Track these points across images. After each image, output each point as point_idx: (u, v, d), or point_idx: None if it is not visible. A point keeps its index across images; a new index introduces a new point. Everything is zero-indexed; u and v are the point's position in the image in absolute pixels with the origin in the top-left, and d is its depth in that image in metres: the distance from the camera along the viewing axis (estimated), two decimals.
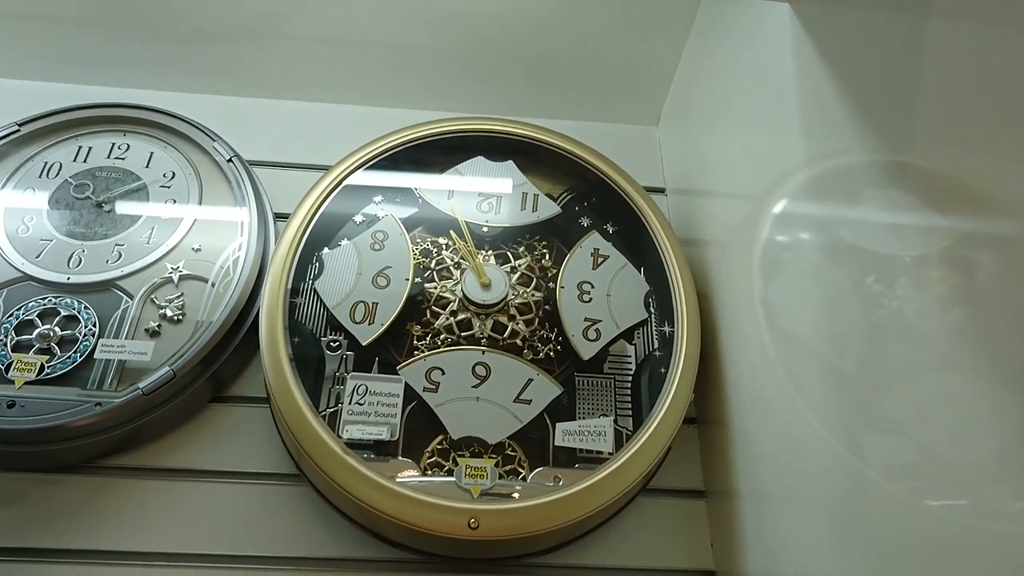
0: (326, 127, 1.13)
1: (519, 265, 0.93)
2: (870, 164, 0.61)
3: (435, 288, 0.90)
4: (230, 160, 0.98)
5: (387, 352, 0.85)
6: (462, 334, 0.87)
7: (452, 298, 0.89)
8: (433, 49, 1.10)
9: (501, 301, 0.89)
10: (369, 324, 0.86)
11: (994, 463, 0.46)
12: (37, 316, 0.85)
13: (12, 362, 0.81)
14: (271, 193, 1.00)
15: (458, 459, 0.79)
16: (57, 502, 0.81)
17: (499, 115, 1.04)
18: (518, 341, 0.87)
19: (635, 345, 0.88)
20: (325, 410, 0.80)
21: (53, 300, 0.86)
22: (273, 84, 1.15)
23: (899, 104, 0.57)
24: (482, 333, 0.87)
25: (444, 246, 0.93)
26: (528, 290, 0.91)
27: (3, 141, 0.97)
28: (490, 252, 0.94)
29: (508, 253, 0.94)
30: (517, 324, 0.88)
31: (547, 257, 0.95)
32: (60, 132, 1.00)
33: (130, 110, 1.02)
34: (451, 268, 0.92)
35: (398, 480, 0.75)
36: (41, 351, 0.82)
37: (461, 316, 0.88)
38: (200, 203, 0.96)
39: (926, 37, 0.54)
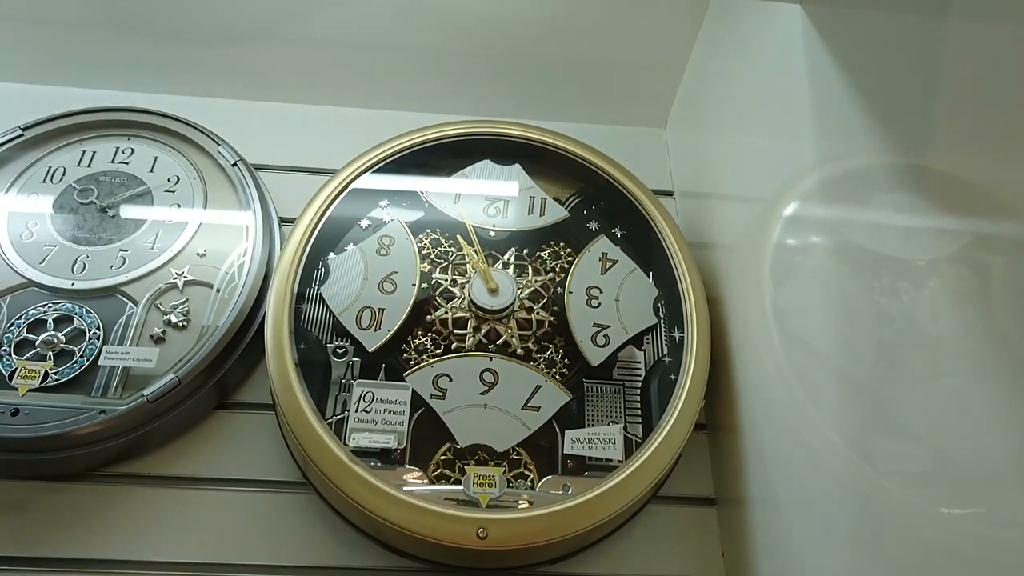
0: (331, 131, 1.13)
1: (526, 270, 0.92)
2: (882, 166, 0.60)
3: (442, 294, 0.89)
4: (235, 164, 0.97)
5: (394, 358, 0.84)
6: (470, 340, 0.86)
7: (459, 304, 0.88)
8: (439, 52, 1.10)
9: (509, 306, 0.88)
10: (376, 330, 0.85)
11: (1011, 470, 0.45)
12: (41, 323, 0.84)
13: (16, 369, 0.80)
14: (276, 197, 0.99)
15: (466, 467, 0.78)
16: (61, 511, 0.81)
17: (506, 118, 1.03)
18: (527, 346, 0.86)
19: (644, 351, 0.87)
20: (331, 417, 0.80)
21: (57, 306, 0.85)
22: (277, 87, 1.14)
23: (913, 106, 0.57)
24: (489, 339, 0.86)
25: (451, 250, 0.93)
26: (536, 295, 0.90)
27: (7, 146, 0.97)
28: (497, 257, 0.93)
29: (515, 257, 0.93)
30: (525, 330, 0.87)
31: (555, 261, 0.94)
32: (64, 136, 1.00)
33: (134, 114, 1.01)
34: (458, 273, 0.91)
35: (405, 489, 0.74)
36: (45, 358, 0.82)
37: (469, 322, 0.87)
38: (205, 207, 0.95)
39: (941, 37, 0.54)
